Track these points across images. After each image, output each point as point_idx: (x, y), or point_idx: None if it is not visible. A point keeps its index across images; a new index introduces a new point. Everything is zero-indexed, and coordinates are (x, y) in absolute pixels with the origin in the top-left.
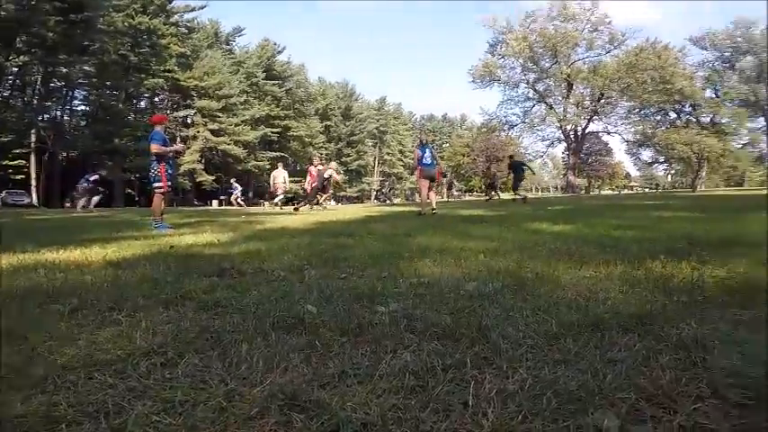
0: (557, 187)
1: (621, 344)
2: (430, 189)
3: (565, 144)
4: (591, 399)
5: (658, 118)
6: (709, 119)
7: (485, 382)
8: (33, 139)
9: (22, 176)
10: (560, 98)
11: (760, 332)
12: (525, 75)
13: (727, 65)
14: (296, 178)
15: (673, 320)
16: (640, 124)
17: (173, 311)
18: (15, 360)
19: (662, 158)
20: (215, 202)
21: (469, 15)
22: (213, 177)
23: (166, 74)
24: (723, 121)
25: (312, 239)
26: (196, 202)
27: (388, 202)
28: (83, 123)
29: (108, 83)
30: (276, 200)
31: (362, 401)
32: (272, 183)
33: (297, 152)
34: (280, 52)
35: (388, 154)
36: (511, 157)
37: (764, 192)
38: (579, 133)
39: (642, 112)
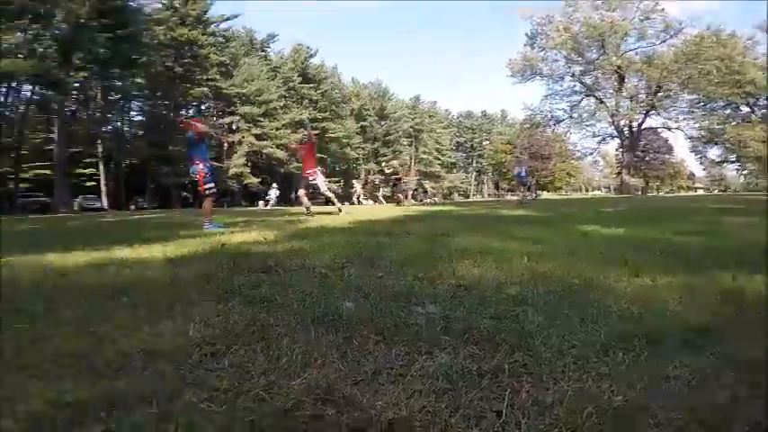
0: (609, 187)
1: (677, 360)
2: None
3: (618, 141)
4: (636, 417)
5: (728, 112)
6: None
7: (522, 392)
8: (100, 148)
9: (94, 183)
10: (611, 91)
11: None
12: (570, 67)
13: None
14: (334, 178)
15: (742, 337)
16: (706, 119)
17: (223, 306)
18: (84, 348)
19: (732, 157)
20: (261, 203)
21: (501, 6)
22: (259, 180)
23: (209, 82)
24: None
25: (350, 238)
26: (244, 203)
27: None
28: (140, 133)
29: (158, 93)
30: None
31: (393, 401)
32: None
33: (335, 153)
34: (312, 56)
35: (424, 152)
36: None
37: None
38: (635, 129)
39: (708, 105)
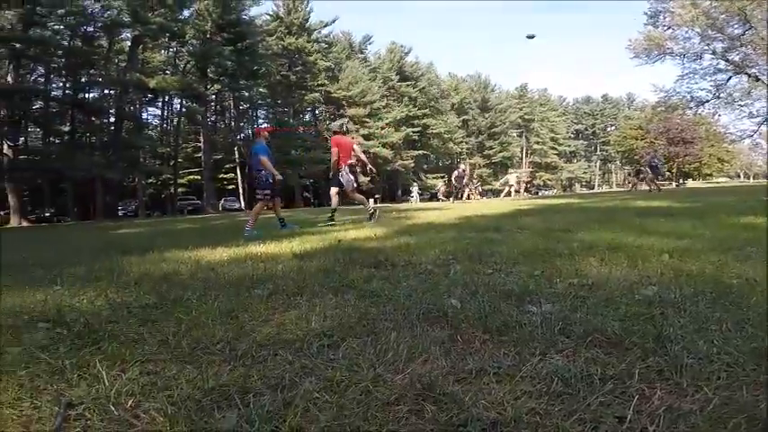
0: None
1: None
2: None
3: None
4: None
5: None
6: None
7: (653, 398)
8: (237, 155)
9: (233, 186)
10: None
11: None
12: (708, 44)
13: None
14: (438, 174)
15: None
16: None
17: (339, 298)
18: (228, 336)
19: None
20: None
21: None
22: (368, 178)
23: (320, 88)
24: None
25: (457, 234)
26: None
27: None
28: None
29: (278, 101)
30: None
31: (497, 400)
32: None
33: (438, 149)
34: (407, 54)
35: (537, 143)
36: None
37: None
38: None
39: None
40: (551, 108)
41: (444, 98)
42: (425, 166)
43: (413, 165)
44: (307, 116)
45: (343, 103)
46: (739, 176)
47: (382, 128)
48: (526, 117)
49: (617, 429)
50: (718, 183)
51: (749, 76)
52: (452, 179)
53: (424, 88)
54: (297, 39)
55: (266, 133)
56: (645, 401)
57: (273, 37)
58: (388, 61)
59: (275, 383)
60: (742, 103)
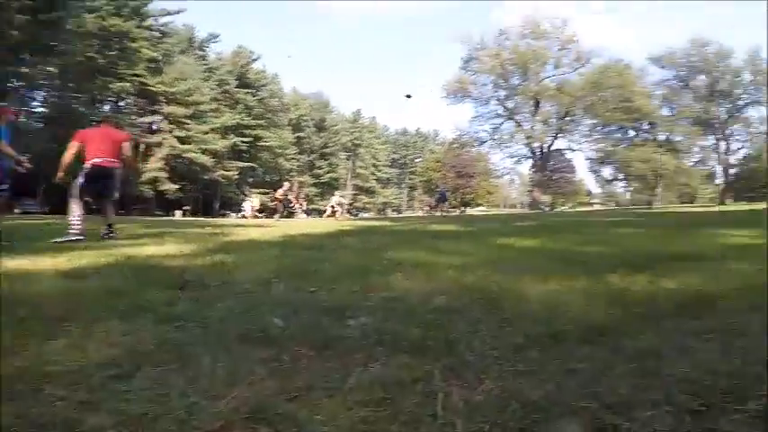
0: (522, 204)
1: (581, 354)
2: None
3: (531, 161)
4: (554, 408)
5: (618, 136)
6: (664, 137)
7: (452, 394)
8: None
9: None
10: (528, 115)
11: (709, 341)
12: (496, 91)
13: (683, 83)
14: (264, 190)
15: (629, 332)
16: (602, 142)
17: (129, 324)
18: None
19: (621, 176)
20: (178, 213)
21: (444, 30)
22: (178, 186)
23: (134, 78)
24: (677, 139)
25: (280, 252)
26: (157, 212)
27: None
28: (40, 126)
29: (70, 85)
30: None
31: (331, 414)
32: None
33: (267, 163)
34: (254, 60)
35: (361, 167)
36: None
37: (714, 209)
38: (545, 150)
39: (604, 129)
40: (377, 136)
41: (283, 112)
42: (250, 180)
43: (237, 176)
44: (106, 106)
45: (161, 98)
46: (499, 206)
47: (206, 132)
48: (355, 141)
49: (433, 426)
50: (486, 211)
51: (515, 121)
52: (278, 196)
53: (264, 99)
54: (125, 22)
55: (11, 116)
56: (448, 398)
57: (93, 15)
58: (231, 64)
59: (44, 422)
60: (508, 145)
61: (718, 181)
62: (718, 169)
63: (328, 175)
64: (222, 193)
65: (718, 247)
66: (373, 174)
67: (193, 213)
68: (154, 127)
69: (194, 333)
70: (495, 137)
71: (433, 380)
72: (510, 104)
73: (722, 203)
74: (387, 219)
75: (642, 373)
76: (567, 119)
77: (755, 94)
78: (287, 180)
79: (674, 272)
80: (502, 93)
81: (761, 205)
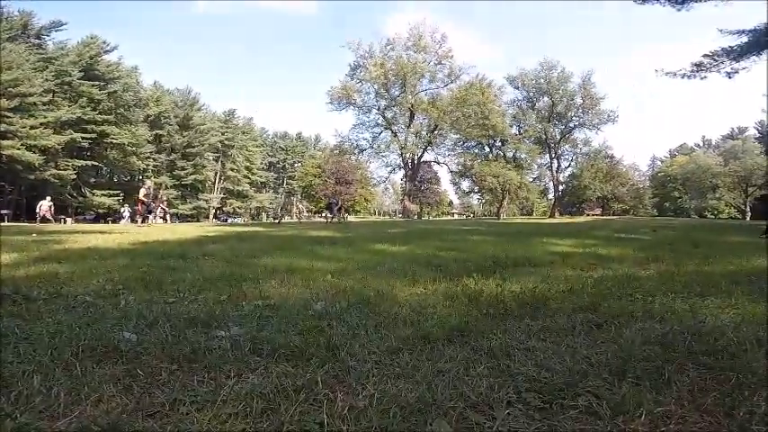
0: (395, 211)
1: (447, 355)
2: None
3: (403, 171)
4: (428, 410)
5: (476, 151)
6: (512, 154)
7: (337, 400)
8: None
9: None
10: (403, 127)
11: (545, 340)
12: (378, 101)
13: (530, 104)
14: (112, 191)
15: (484, 332)
16: (463, 156)
17: None
18: None
19: (476, 188)
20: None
21: (334, 37)
22: None
23: None
24: (522, 156)
25: (130, 261)
26: None
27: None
28: None
29: None
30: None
31: (204, 428)
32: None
33: (116, 161)
34: (108, 51)
35: (232, 170)
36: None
37: (546, 221)
38: (416, 162)
39: (465, 144)
40: (252, 138)
41: (140, 107)
42: (93, 180)
43: (74, 177)
44: None
45: None
46: (374, 213)
47: (33, 127)
48: (227, 142)
49: None
50: (362, 218)
51: (392, 132)
52: (141, 197)
53: (115, 92)
54: None
55: None
56: (332, 405)
57: None
58: (76, 54)
59: None
60: (384, 154)
61: (550, 196)
62: (551, 185)
63: (192, 176)
64: (56, 196)
65: (549, 255)
66: (246, 177)
67: (15, 219)
68: None
69: (17, 351)
70: (374, 146)
71: (318, 387)
72: (389, 114)
73: (552, 216)
74: (262, 224)
75: (497, 372)
76: (435, 132)
77: (583, 116)
78: (147, 178)
79: (516, 275)
80: (383, 103)
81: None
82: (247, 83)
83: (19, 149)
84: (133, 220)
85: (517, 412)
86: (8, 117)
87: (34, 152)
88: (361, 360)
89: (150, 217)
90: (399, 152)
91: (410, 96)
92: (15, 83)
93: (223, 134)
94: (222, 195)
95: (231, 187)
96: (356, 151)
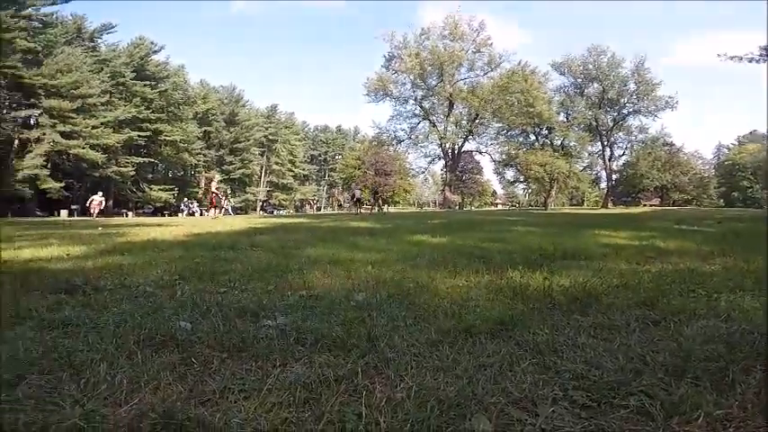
0: (435, 202)
1: (490, 349)
2: None
3: (443, 161)
4: (468, 404)
5: (521, 139)
6: (560, 142)
7: (375, 391)
8: None
9: None
10: (442, 116)
11: (596, 337)
12: (414, 91)
13: (578, 91)
14: (167, 186)
15: (530, 326)
16: (506, 145)
17: (7, 331)
18: None
19: (522, 178)
20: (64, 212)
21: (370, 24)
22: (62, 184)
23: (6, 70)
24: (570, 144)
25: (185, 253)
26: (39, 212)
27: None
28: None
29: None
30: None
31: (250, 417)
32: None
33: (169, 158)
34: (156, 51)
35: (276, 163)
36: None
37: (598, 211)
38: (456, 152)
39: (509, 133)
40: (294, 132)
41: (188, 105)
42: (150, 176)
43: (133, 173)
44: None
45: (40, 92)
46: (414, 204)
47: (95, 127)
48: (270, 137)
49: (359, 426)
50: (402, 209)
51: (430, 122)
52: (214, 189)
53: (165, 91)
54: None
55: None
56: (370, 396)
57: None
58: (127, 55)
59: None
60: (423, 145)
61: (602, 185)
62: (603, 174)
63: (240, 171)
64: (117, 191)
65: (601, 247)
66: (290, 170)
67: (83, 213)
68: (31, 122)
69: (87, 340)
70: (412, 136)
71: (357, 378)
72: (426, 105)
73: (605, 206)
74: (304, 216)
75: (542, 369)
76: (476, 121)
77: (637, 103)
78: (211, 170)
79: (565, 269)
80: (419, 93)
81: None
82: (285, 79)
83: (83, 149)
84: (204, 211)
85: (562, 410)
86: (72, 118)
87: (97, 151)
88: (401, 352)
89: (223, 208)
90: (438, 142)
91: (448, 86)
92: (76, 85)
93: (267, 129)
94: (268, 188)
95: (276, 180)
96: (394, 142)
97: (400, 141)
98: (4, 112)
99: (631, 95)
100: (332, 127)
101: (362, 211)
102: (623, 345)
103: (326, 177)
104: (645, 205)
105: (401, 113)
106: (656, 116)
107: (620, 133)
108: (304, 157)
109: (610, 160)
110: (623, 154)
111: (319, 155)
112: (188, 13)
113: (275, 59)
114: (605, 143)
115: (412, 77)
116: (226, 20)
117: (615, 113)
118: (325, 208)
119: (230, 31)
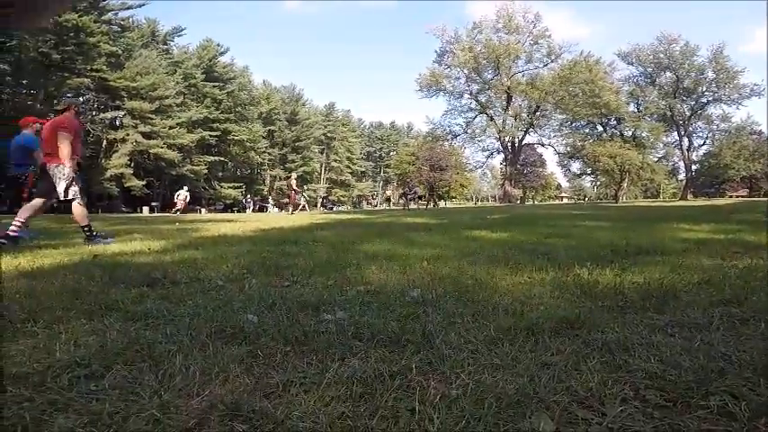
0: (494, 197)
1: (554, 348)
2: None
3: (503, 155)
4: (528, 402)
5: (587, 131)
6: (630, 132)
7: (430, 388)
8: None
9: None
10: (500, 110)
11: (673, 336)
12: (469, 85)
13: (649, 80)
14: (236, 184)
15: (598, 325)
16: (571, 137)
17: (97, 323)
18: None
19: (589, 170)
20: (145, 209)
21: (421, 22)
22: (144, 182)
23: (93, 73)
24: (643, 135)
25: (253, 247)
26: (124, 209)
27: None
28: None
29: (24, 81)
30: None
31: (309, 410)
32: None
33: (237, 156)
34: (222, 53)
35: (335, 161)
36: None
37: (676, 203)
38: (516, 145)
39: (573, 124)
40: (351, 129)
41: (253, 105)
42: (220, 174)
43: (206, 171)
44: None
45: (123, 94)
46: (471, 199)
47: (171, 127)
48: (329, 135)
49: (411, 421)
50: (458, 204)
51: (488, 115)
52: (295, 187)
53: (232, 92)
54: (80, 16)
55: (37, 124)
56: (424, 392)
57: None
58: (197, 57)
59: (11, 424)
60: (480, 139)
61: (680, 177)
62: (681, 165)
63: (302, 168)
64: (192, 189)
65: (680, 242)
66: (348, 167)
67: (162, 209)
68: (117, 123)
69: (165, 331)
70: (468, 131)
71: (412, 374)
72: (482, 98)
73: (683, 198)
74: (361, 212)
75: (611, 368)
76: (537, 113)
77: (717, 91)
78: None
79: (639, 265)
80: (475, 87)
81: (718, 201)
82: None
83: (162, 148)
84: (282, 208)
85: (632, 409)
86: (151, 119)
87: (174, 150)
88: (457, 349)
89: (300, 205)
90: (497, 136)
91: (505, 78)
92: (154, 86)
93: (325, 127)
94: (327, 185)
95: (335, 177)
96: (449, 137)
97: (456, 136)
98: (94, 114)
99: (710, 84)
100: (386, 123)
101: (412, 206)
102: (704, 343)
103: (382, 174)
104: (731, 197)
105: (456, 108)
106: (740, 104)
107: (700, 123)
108: (360, 153)
109: (689, 150)
110: (703, 144)
111: (375, 151)
112: (242, 11)
113: (326, 58)
114: (682, 133)
115: (466, 71)
116: (280, 19)
117: (693, 102)
118: (380, 204)
119: (284, 32)
